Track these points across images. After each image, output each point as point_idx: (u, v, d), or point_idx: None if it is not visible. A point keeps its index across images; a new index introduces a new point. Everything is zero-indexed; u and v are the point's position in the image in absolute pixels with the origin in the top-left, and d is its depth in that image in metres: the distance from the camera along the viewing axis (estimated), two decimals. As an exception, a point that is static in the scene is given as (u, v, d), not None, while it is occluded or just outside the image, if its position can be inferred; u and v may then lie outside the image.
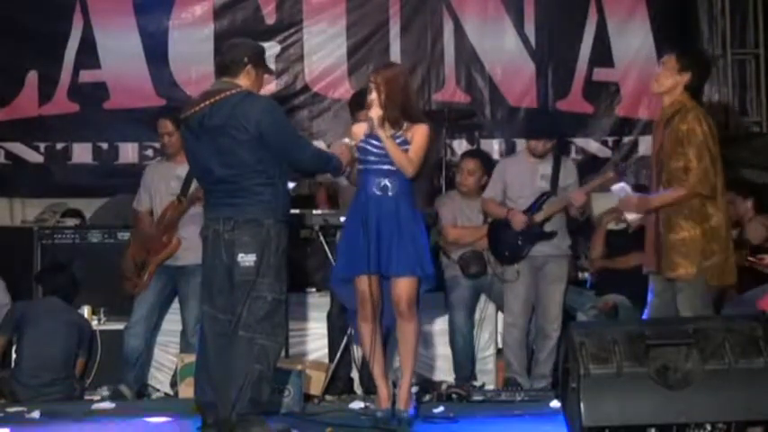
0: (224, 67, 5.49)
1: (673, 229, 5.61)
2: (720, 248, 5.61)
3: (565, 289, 7.12)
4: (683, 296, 5.61)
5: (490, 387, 7.14)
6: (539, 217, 7.04)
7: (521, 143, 7.55)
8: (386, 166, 5.68)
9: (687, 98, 5.69)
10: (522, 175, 7.15)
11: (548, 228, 7.05)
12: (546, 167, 7.14)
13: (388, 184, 5.67)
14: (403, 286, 5.65)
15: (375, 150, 5.70)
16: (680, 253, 5.57)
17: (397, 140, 5.68)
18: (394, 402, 5.82)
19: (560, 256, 7.12)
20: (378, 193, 5.68)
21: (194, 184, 6.96)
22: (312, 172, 5.77)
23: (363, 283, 5.68)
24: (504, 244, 7.12)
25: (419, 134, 5.67)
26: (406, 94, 5.73)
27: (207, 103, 5.38)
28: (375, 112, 5.68)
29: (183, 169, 7.08)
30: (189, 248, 7.03)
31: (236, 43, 5.66)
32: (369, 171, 5.72)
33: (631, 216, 5.90)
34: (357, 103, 7.24)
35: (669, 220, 5.63)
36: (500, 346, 7.31)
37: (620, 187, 5.92)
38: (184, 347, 7.09)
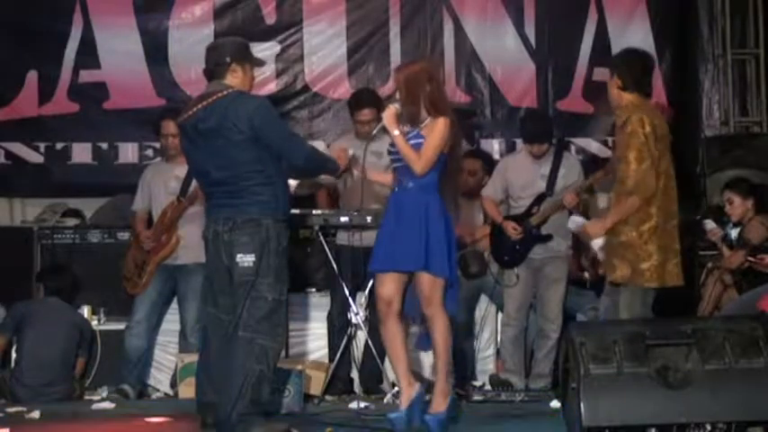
0: (210, 73, 5.49)
1: (614, 232, 5.72)
2: (658, 249, 5.64)
3: (565, 289, 7.13)
4: (622, 299, 5.70)
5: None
6: (534, 220, 7.04)
7: (521, 143, 7.55)
8: (403, 163, 5.58)
9: (635, 98, 5.77)
10: (523, 176, 7.16)
11: (546, 230, 7.06)
12: (546, 168, 7.14)
13: (404, 180, 5.57)
14: (418, 283, 5.54)
15: (394, 149, 5.63)
16: (618, 256, 5.67)
17: (410, 135, 5.54)
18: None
19: (559, 257, 7.12)
20: (398, 190, 5.62)
21: (193, 184, 6.98)
22: (308, 171, 5.71)
23: (377, 281, 5.64)
24: (502, 248, 7.13)
25: (434, 129, 5.49)
26: (428, 90, 5.51)
27: (199, 106, 5.39)
28: (387, 111, 5.58)
29: (182, 170, 7.09)
30: (188, 247, 7.05)
31: (216, 45, 5.67)
32: (396, 169, 5.66)
33: (597, 243, 5.83)
34: (356, 103, 7.25)
35: (613, 224, 5.70)
36: (500, 346, 7.32)
37: (572, 221, 5.91)
38: (183, 347, 7.10)
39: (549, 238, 7.05)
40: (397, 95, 5.61)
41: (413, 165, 5.48)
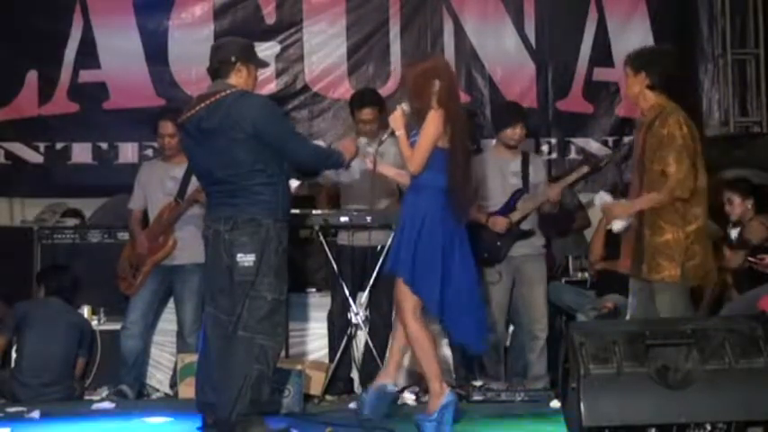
0: (215, 71, 5.49)
1: (656, 231, 5.65)
2: (702, 249, 5.65)
3: (546, 288, 7.13)
4: (663, 298, 5.64)
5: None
6: (515, 216, 7.03)
7: (486, 142, 7.54)
8: None
9: (664, 99, 5.73)
10: (493, 174, 7.09)
11: (524, 226, 7.05)
12: (516, 164, 7.13)
13: (411, 181, 5.56)
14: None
15: None
16: (664, 255, 5.61)
17: (413, 134, 5.53)
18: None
19: (537, 255, 7.11)
20: (405, 191, 5.63)
21: (191, 186, 6.97)
22: (313, 169, 5.70)
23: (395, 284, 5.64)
24: (482, 246, 7.08)
25: (425, 125, 5.44)
26: (436, 88, 5.44)
27: (202, 105, 5.39)
28: (396, 112, 5.56)
29: (179, 170, 7.09)
30: (184, 248, 7.05)
31: (221, 44, 5.66)
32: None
33: (617, 225, 5.80)
34: (359, 102, 7.26)
35: (653, 222, 5.67)
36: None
37: (600, 197, 5.91)
38: (181, 347, 7.09)
39: (531, 233, 7.04)
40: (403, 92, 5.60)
41: (407, 163, 5.49)
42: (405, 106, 5.60)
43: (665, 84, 5.77)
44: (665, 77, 5.77)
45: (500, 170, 7.10)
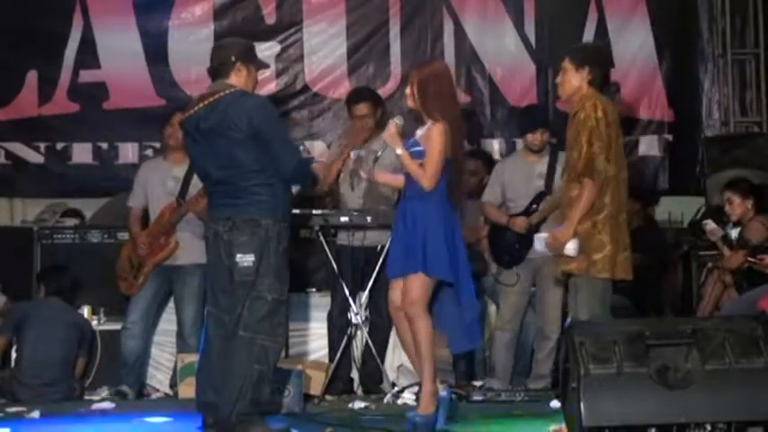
0: (215, 71, 5.49)
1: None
2: (611, 240, 5.58)
3: (563, 290, 7.11)
4: (580, 295, 5.63)
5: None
6: (534, 218, 7.03)
7: (521, 143, 7.57)
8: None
9: (592, 91, 5.70)
10: (519, 176, 7.14)
11: (545, 229, 7.04)
12: (542, 166, 7.14)
13: (408, 188, 5.56)
14: (407, 283, 5.52)
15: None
16: None
17: (408, 143, 5.52)
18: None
19: (557, 256, 7.09)
20: (403, 198, 5.64)
21: (193, 186, 6.97)
22: (293, 178, 5.59)
23: (389, 287, 5.64)
24: (503, 248, 7.11)
25: (431, 140, 5.43)
26: (432, 90, 5.49)
27: (201, 105, 5.39)
28: (388, 129, 5.57)
29: (179, 170, 7.09)
30: (185, 248, 7.05)
31: (222, 45, 5.67)
32: (406, 174, 5.61)
33: (571, 248, 5.59)
34: (353, 98, 7.28)
35: (563, 213, 5.66)
36: (491, 350, 7.25)
37: (538, 240, 5.79)
38: (181, 348, 7.09)
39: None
40: (408, 91, 5.56)
41: (420, 180, 5.45)
42: (398, 120, 5.60)
43: (603, 82, 5.77)
44: (604, 76, 5.79)
45: (526, 173, 7.13)
